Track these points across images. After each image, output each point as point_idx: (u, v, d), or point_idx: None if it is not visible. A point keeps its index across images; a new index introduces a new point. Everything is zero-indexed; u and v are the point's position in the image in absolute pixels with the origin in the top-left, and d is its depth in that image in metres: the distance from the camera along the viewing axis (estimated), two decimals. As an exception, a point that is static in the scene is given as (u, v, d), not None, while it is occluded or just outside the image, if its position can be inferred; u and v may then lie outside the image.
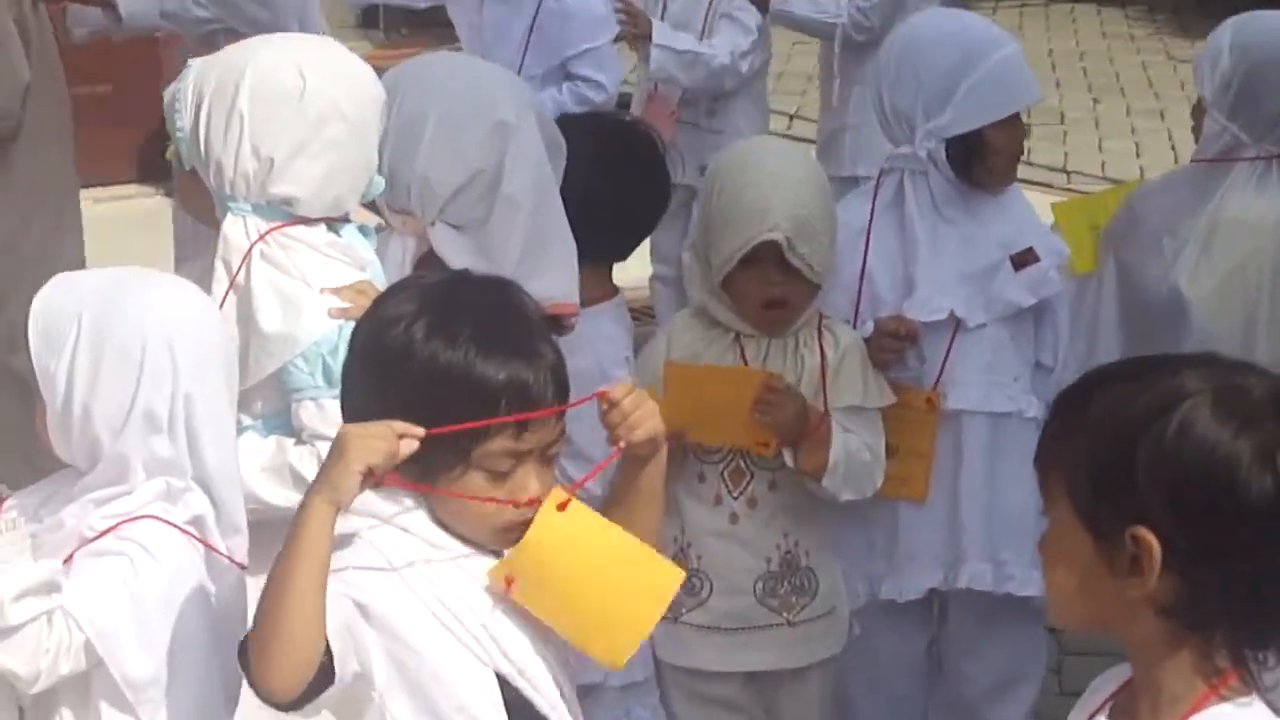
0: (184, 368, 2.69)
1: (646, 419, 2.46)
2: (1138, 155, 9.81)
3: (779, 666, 3.75)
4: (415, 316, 2.41)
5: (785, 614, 3.72)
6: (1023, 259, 3.89)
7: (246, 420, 3.02)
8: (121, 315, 2.69)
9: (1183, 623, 1.98)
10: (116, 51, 7.91)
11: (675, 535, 3.73)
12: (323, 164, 3.02)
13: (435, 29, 11.88)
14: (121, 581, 2.58)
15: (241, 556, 2.73)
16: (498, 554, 2.47)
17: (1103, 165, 9.61)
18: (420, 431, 2.34)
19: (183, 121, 3.04)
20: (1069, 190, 8.76)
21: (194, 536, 2.67)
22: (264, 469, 2.95)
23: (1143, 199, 4.12)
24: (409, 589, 2.41)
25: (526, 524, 2.41)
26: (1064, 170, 9.57)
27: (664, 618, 3.68)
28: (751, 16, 5.94)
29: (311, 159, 3.01)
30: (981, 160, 3.90)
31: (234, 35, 5.47)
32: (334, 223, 3.09)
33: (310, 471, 2.80)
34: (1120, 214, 4.09)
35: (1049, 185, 8.98)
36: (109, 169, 7.66)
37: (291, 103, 2.99)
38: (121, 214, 7.58)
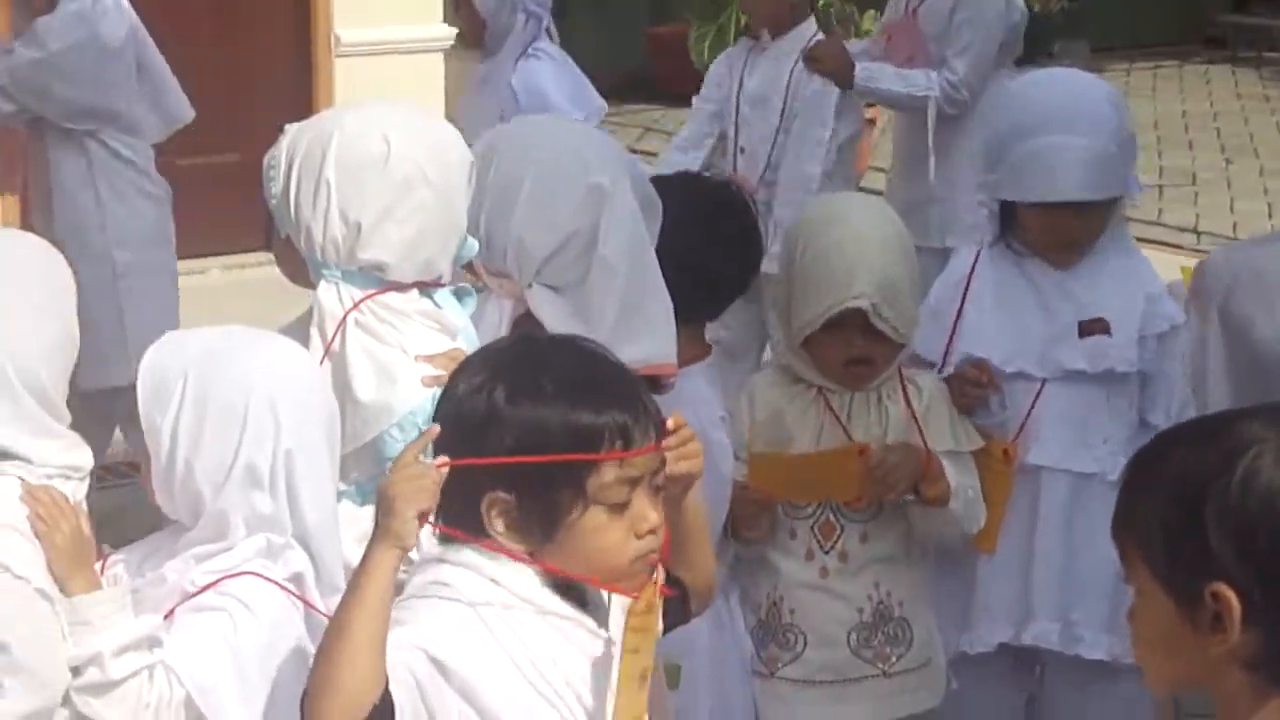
0: (286, 425, 2.74)
1: (688, 457, 2.51)
2: (1269, 215, 9.72)
3: (879, 718, 3.73)
4: (491, 383, 2.43)
5: (880, 665, 3.72)
6: (1090, 328, 3.86)
7: (341, 486, 3.04)
8: (226, 372, 2.75)
9: (1268, 675, 1.95)
10: (244, 120, 8.10)
11: (768, 591, 3.75)
12: (410, 228, 3.04)
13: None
14: (222, 637, 2.63)
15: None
16: (599, 622, 2.48)
17: (1234, 226, 9.53)
18: (443, 459, 2.37)
19: (275, 188, 3.08)
20: (1199, 251, 8.69)
21: (293, 593, 2.70)
22: (357, 539, 2.97)
23: (1261, 251, 4.06)
24: (499, 646, 2.41)
25: (651, 554, 2.44)
26: (1195, 231, 9.50)
27: (761, 674, 3.74)
28: (828, 102, 5.84)
29: (399, 224, 3.04)
30: (1020, 233, 3.90)
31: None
32: (427, 287, 3.12)
33: None
34: (1230, 266, 4.03)
35: (1179, 246, 8.92)
36: (238, 237, 7.77)
37: (377, 168, 3.02)
38: (249, 281, 7.69)
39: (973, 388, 3.78)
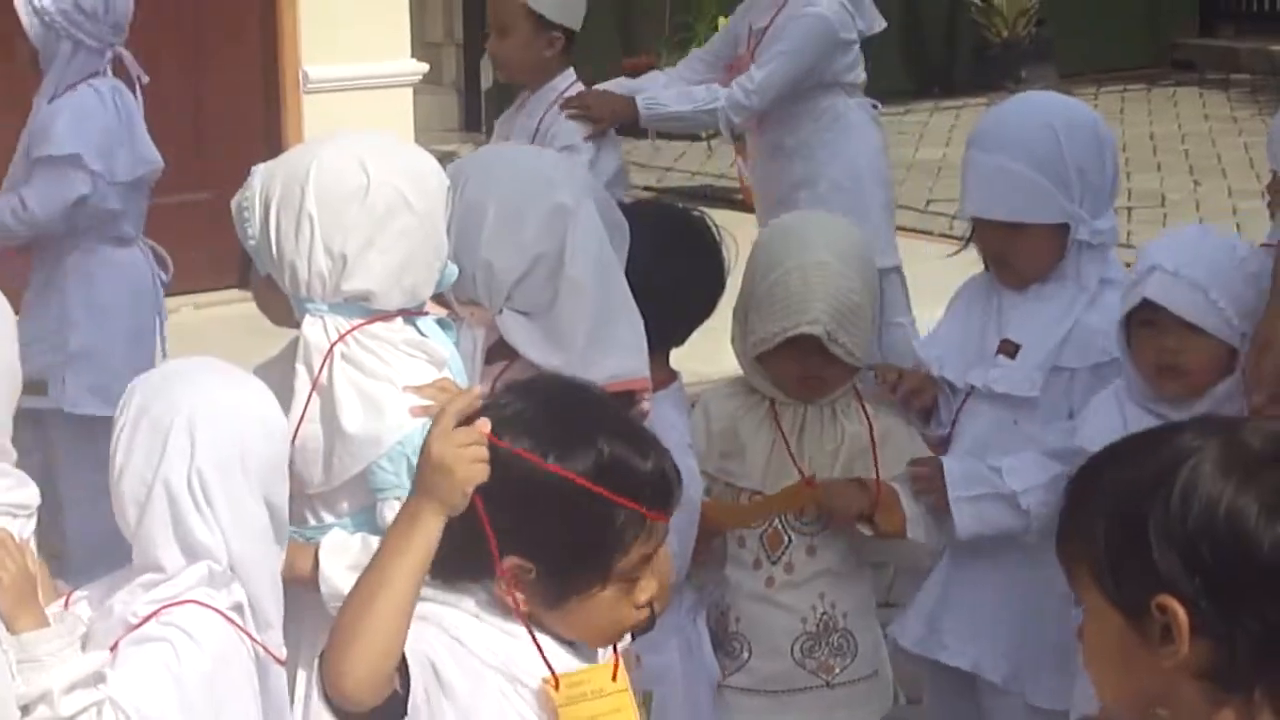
0: (201, 448, 2.73)
1: None
2: (1240, 236, 9.74)
3: None
4: (543, 449, 2.42)
5: (824, 676, 3.74)
6: (1002, 348, 3.84)
7: (330, 519, 3.07)
8: (163, 394, 2.79)
9: (1221, 685, 1.96)
10: (214, 158, 8.10)
11: (716, 600, 3.77)
12: (395, 256, 3.05)
13: (538, 130, 12.02)
14: (164, 666, 2.62)
15: (276, 651, 2.75)
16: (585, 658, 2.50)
17: (1204, 247, 9.56)
18: (485, 423, 2.37)
19: (253, 229, 3.07)
20: (1170, 273, 8.70)
21: (236, 624, 2.70)
22: (349, 567, 2.97)
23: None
24: (489, 676, 2.42)
25: (642, 619, 2.47)
26: (1165, 253, 9.53)
27: None
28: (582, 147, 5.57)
29: (383, 252, 3.04)
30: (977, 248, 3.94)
31: None
32: (412, 315, 3.12)
33: None
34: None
35: (1150, 268, 8.93)
36: (209, 276, 7.75)
37: (358, 198, 3.03)
38: (221, 319, 7.68)
39: (907, 395, 3.82)
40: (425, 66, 9.39)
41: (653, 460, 2.45)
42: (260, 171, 3.11)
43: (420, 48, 9.74)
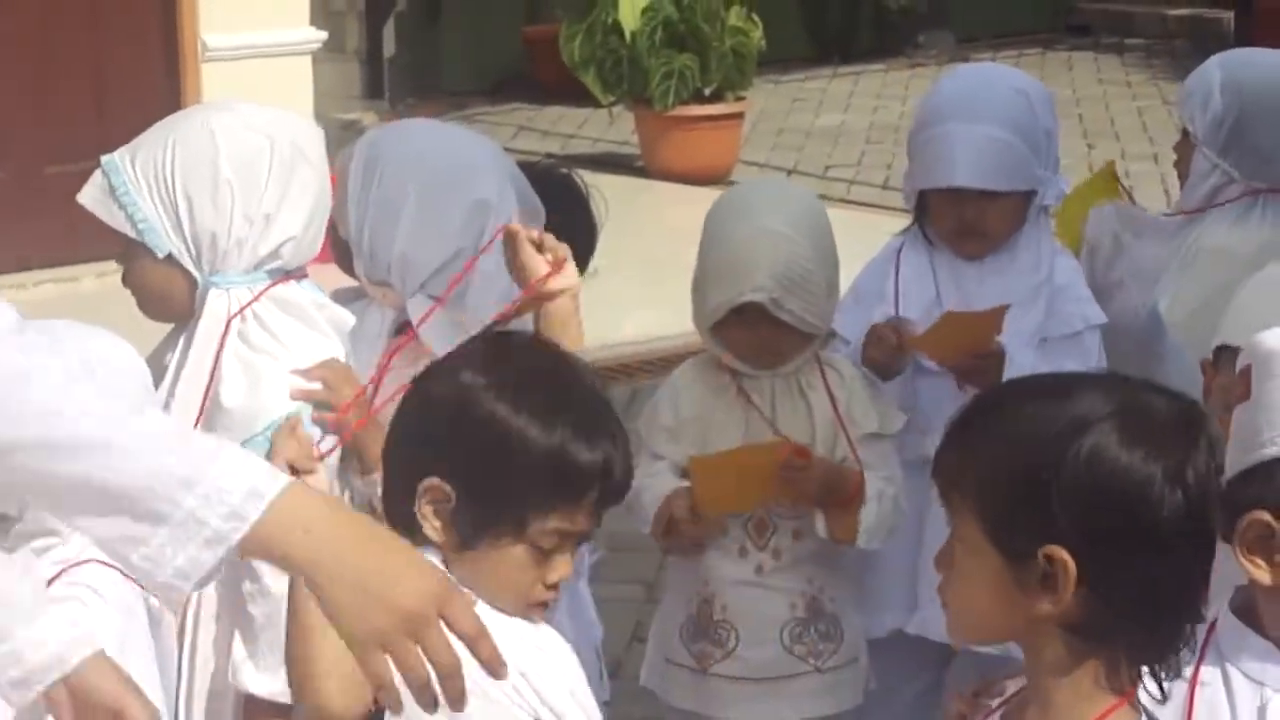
0: None
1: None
2: (1130, 200, 9.87)
3: (810, 715, 3.69)
4: (496, 388, 2.42)
5: (814, 661, 3.68)
6: None
7: None
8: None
9: (1087, 638, 2.05)
10: (114, 127, 8.09)
11: (698, 588, 3.68)
12: (302, 211, 3.11)
13: (442, 97, 12.01)
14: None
15: (166, 603, 2.80)
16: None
17: (1096, 210, 9.69)
18: None
19: (144, 211, 3.09)
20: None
21: (134, 580, 2.73)
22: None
23: (1134, 230, 4.13)
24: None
25: (545, 605, 2.46)
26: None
27: (694, 669, 3.70)
28: None
29: (293, 209, 3.09)
30: (929, 224, 3.90)
31: None
32: (299, 277, 3.15)
33: None
34: (1107, 236, 4.09)
35: (1043, 231, 9.05)
36: (111, 244, 7.74)
37: (267, 159, 3.07)
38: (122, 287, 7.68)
39: (881, 345, 3.74)
40: (324, 34, 9.39)
41: (602, 453, 2.42)
42: (122, 157, 3.13)
43: (323, 16, 9.73)
